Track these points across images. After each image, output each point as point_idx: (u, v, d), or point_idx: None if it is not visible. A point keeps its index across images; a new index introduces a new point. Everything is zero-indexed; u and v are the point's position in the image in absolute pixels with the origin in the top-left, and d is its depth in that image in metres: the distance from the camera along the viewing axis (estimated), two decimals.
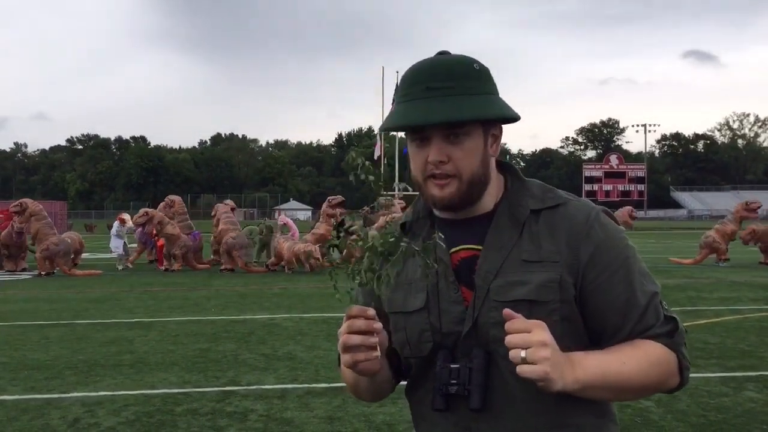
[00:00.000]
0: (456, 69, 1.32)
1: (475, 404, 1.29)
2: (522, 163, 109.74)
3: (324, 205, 18.09)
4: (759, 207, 19.18)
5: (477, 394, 1.29)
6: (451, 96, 1.30)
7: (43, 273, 16.60)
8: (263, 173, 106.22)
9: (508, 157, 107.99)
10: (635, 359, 1.29)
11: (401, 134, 1.49)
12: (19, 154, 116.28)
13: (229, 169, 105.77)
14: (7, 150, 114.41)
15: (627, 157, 73.83)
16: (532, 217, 1.36)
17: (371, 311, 1.28)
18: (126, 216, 19.42)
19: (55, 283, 15.12)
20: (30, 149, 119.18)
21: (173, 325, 9.29)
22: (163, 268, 17.83)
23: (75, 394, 5.80)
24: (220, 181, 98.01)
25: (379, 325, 1.28)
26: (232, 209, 18.84)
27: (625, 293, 1.32)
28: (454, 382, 1.30)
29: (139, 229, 18.98)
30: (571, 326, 1.33)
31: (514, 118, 1.36)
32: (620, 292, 1.32)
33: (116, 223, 18.93)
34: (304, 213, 76.00)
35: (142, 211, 18.01)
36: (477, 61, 1.35)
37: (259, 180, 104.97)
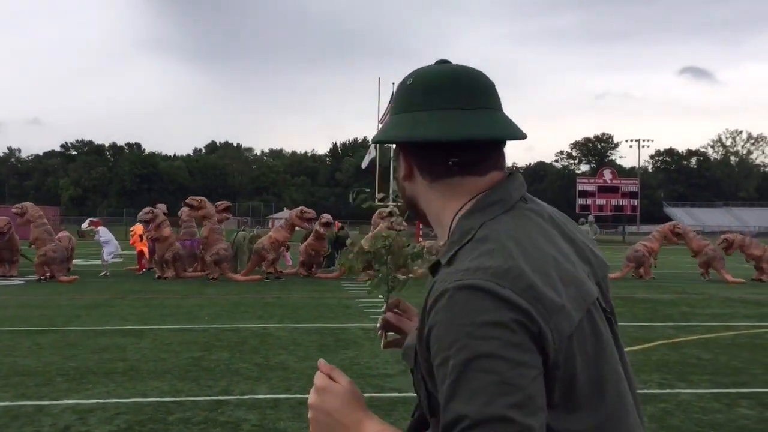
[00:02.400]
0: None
1: None
2: None
3: (292, 213, 18.23)
4: (685, 231, 19.55)
5: None
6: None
7: (42, 278, 16.59)
8: (257, 182, 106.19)
9: None
10: None
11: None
12: (12, 159, 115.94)
13: (224, 178, 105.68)
14: (1, 155, 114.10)
15: (620, 171, 74.15)
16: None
17: None
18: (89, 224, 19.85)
19: (47, 289, 15.04)
20: (24, 154, 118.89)
21: (166, 332, 9.25)
22: (156, 276, 17.76)
23: (66, 401, 5.76)
24: (214, 189, 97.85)
25: None
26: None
27: (443, 395, 1.01)
28: None
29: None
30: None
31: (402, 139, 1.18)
32: (443, 390, 1.01)
33: (100, 230, 18.94)
34: None
35: (147, 209, 17.92)
36: (410, 76, 1.23)
37: (254, 189, 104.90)
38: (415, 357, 1.13)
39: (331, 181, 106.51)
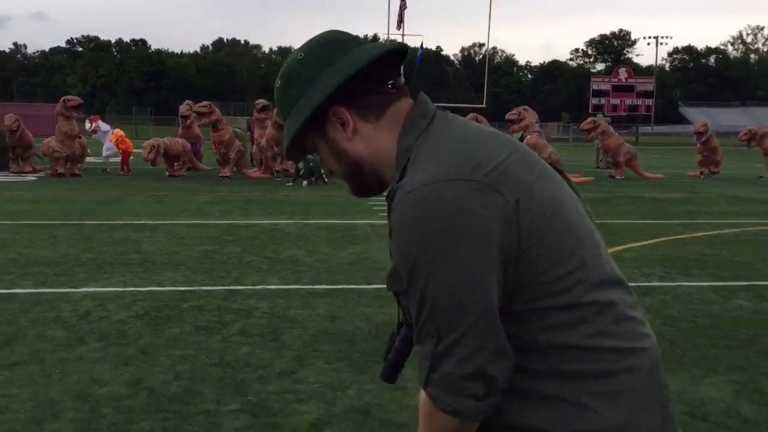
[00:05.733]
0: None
1: (380, 374, 1.34)
2: (530, 76, 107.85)
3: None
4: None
5: (387, 367, 1.34)
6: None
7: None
8: (266, 80, 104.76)
9: (515, 69, 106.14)
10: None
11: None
12: (18, 56, 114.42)
13: (232, 76, 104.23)
14: (7, 51, 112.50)
15: (637, 70, 72.48)
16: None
17: None
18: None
19: (61, 185, 15.25)
20: (30, 50, 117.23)
21: (179, 227, 9.45)
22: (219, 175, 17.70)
23: (85, 290, 5.99)
24: (223, 88, 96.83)
25: None
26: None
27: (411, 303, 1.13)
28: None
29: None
30: None
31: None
32: (409, 298, 1.13)
33: (101, 124, 19.11)
34: None
35: (206, 102, 17.83)
36: (298, 53, 1.26)
37: (262, 87, 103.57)
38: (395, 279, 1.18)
39: None
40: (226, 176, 17.33)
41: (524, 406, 1.16)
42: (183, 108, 19.37)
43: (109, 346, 4.52)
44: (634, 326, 1.19)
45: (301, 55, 1.24)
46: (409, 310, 1.16)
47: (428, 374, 1.13)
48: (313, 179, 15.69)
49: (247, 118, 28.12)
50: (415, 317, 1.13)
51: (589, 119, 18.92)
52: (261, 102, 18.55)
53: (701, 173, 19.57)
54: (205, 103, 17.74)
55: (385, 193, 1.22)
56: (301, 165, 15.84)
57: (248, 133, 20.42)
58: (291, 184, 15.81)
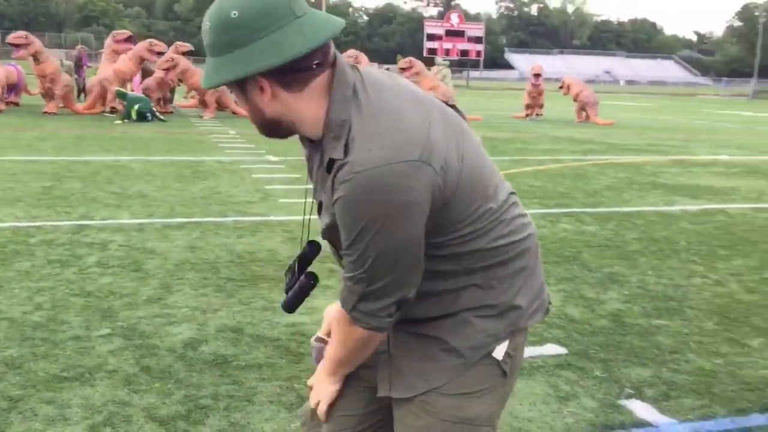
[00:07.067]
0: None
1: (282, 304, 1.56)
2: (365, 17, 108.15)
3: (141, 45, 17.20)
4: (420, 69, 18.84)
5: (290, 299, 1.55)
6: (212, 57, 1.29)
7: None
8: (85, 10, 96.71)
9: (351, 10, 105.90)
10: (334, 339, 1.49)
11: None
12: None
13: (45, 4, 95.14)
14: None
15: (467, 17, 75.12)
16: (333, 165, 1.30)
17: None
18: None
19: None
20: None
21: (8, 164, 8.82)
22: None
23: None
24: (35, 18, 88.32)
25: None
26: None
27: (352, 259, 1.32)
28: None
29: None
30: None
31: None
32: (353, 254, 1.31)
33: None
34: None
35: (21, 33, 16.05)
36: (229, 9, 1.24)
37: (81, 18, 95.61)
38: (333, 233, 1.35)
39: (169, 14, 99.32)
40: (52, 112, 16.16)
41: (439, 301, 1.42)
42: None
43: None
44: (521, 220, 1.49)
45: (234, 14, 1.22)
46: (343, 256, 1.34)
47: (354, 305, 1.35)
48: (127, 120, 15.06)
49: (70, 51, 26.02)
50: (350, 265, 1.32)
51: (407, 58, 19.37)
52: (124, 33, 17.31)
53: (527, 115, 21.00)
54: (20, 33, 16.22)
55: (325, 162, 1.32)
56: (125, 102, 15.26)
57: (75, 65, 19.04)
58: (119, 122, 15.03)
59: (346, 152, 1.26)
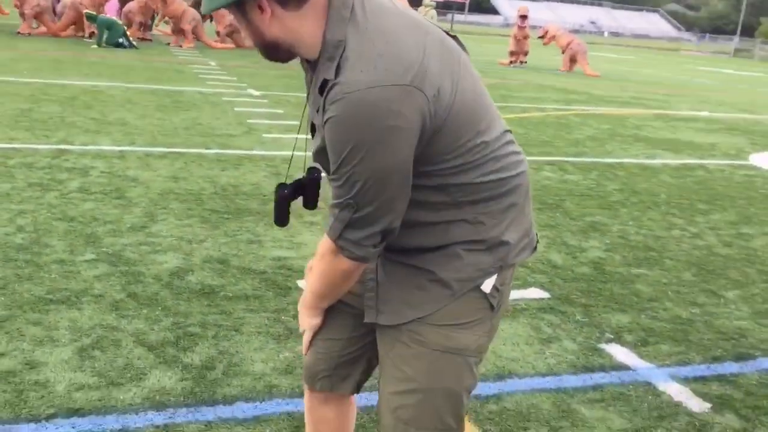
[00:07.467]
0: None
1: (274, 219, 1.57)
2: None
3: None
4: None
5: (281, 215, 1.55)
6: None
7: None
8: None
9: None
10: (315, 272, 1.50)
11: None
12: None
13: None
14: None
15: None
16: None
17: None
18: None
19: None
20: None
21: None
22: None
23: None
24: None
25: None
26: None
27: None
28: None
29: None
30: None
31: None
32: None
33: None
34: None
35: None
36: None
37: None
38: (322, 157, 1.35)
39: None
40: (25, 33, 15.65)
41: (429, 232, 1.42)
42: None
43: None
44: (514, 158, 1.48)
45: None
46: (331, 182, 1.34)
47: (341, 233, 1.34)
48: (105, 45, 14.66)
49: None
50: (337, 191, 1.31)
51: None
52: None
53: (511, 62, 20.81)
54: None
55: (318, 83, 1.30)
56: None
57: None
58: (95, 46, 14.62)
59: (337, 73, 1.25)
